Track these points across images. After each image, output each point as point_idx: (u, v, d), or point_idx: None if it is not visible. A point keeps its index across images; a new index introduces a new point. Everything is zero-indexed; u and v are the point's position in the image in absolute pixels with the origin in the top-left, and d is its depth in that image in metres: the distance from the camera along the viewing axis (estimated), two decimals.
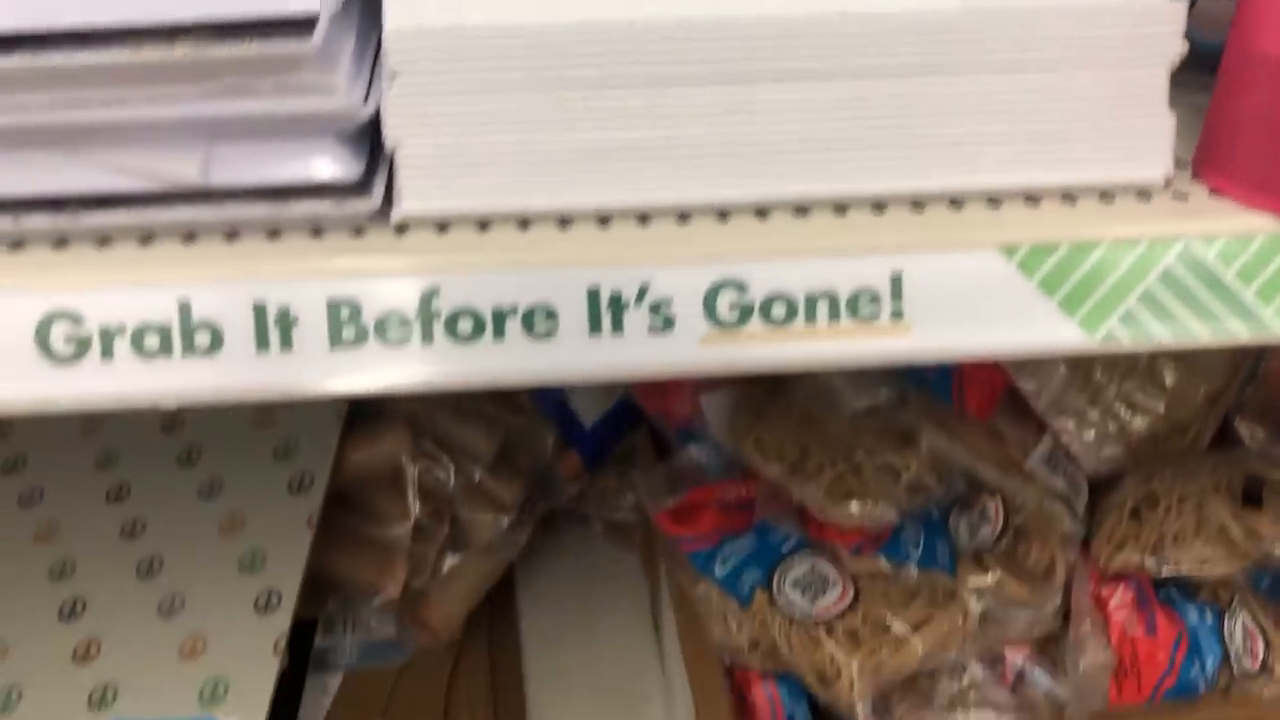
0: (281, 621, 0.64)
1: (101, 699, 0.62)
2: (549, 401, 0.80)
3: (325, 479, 0.71)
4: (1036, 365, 0.64)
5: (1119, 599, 0.60)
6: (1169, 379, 0.65)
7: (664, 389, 0.70)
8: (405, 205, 0.41)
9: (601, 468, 0.85)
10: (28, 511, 0.72)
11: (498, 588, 0.83)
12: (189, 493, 0.72)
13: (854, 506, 0.61)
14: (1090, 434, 0.64)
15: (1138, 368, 0.65)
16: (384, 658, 0.74)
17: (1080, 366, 0.64)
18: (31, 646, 0.64)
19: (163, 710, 0.61)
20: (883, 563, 0.61)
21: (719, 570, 0.62)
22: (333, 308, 0.40)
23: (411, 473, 0.73)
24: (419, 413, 0.75)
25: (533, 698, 0.77)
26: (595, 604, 0.86)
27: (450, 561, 0.74)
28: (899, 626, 0.58)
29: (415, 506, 0.72)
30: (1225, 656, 0.59)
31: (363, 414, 0.76)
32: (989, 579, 0.60)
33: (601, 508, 0.88)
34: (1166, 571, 0.60)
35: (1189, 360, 0.65)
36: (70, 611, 0.66)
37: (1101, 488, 0.65)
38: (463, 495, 0.74)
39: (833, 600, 0.59)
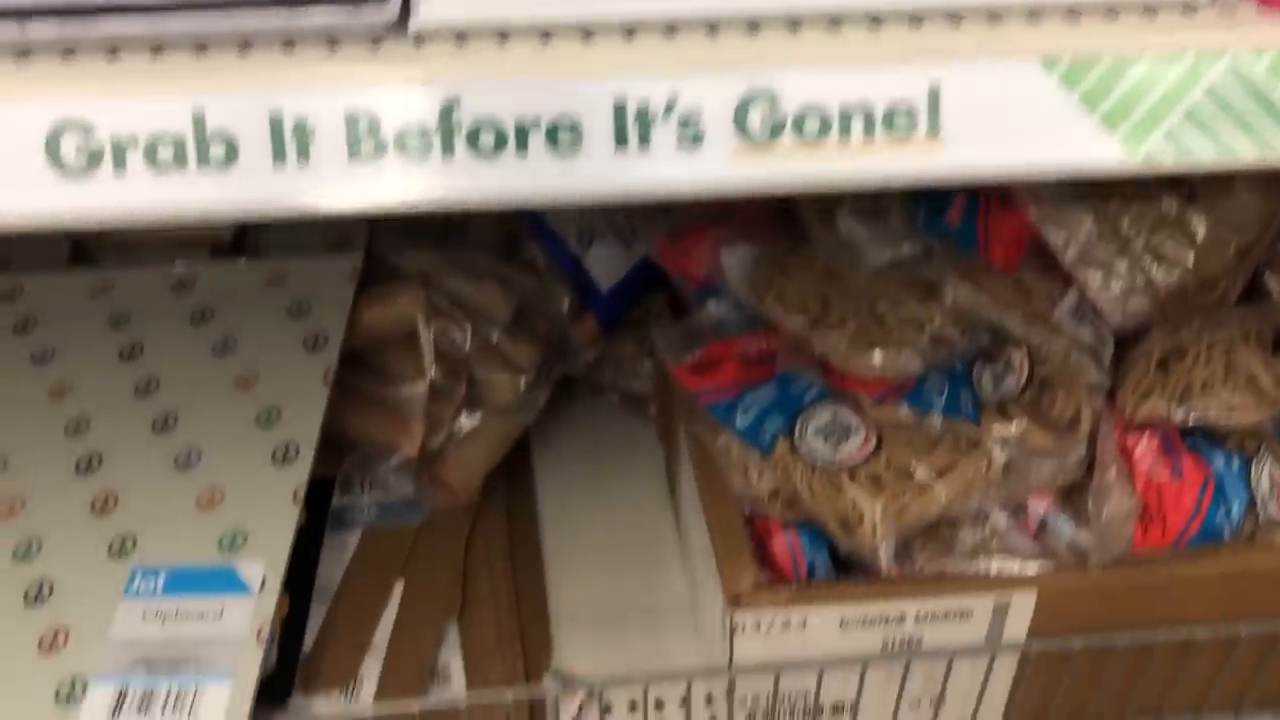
0: (300, 473, 0.64)
1: (121, 548, 0.62)
2: (565, 263, 0.79)
3: (340, 337, 0.70)
4: (1064, 216, 0.63)
5: (1144, 446, 0.59)
6: (1199, 232, 0.63)
7: (683, 246, 0.69)
8: (423, 15, 0.39)
9: (618, 334, 0.84)
10: (41, 370, 0.71)
11: (515, 456, 0.83)
12: (203, 351, 0.71)
13: (877, 356, 0.60)
14: (1117, 287, 0.63)
15: (1167, 220, 0.63)
16: (402, 517, 0.74)
17: (1108, 218, 0.63)
18: (49, 499, 0.64)
19: (183, 558, 0.61)
20: (906, 411, 0.60)
21: (740, 421, 0.61)
22: (351, 120, 0.39)
23: (427, 333, 0.72)
24: (434, 273, 0.74)
25: (550, 557, 0.78)
26: (611, 471, 0.86)
27: (467, 422, 0.74)
28: (922, 473, 0.58)
29: (431, 367, 0.72)
30: (1251, 503, 0.59)
31: (376, 274, 0.75)
32: (1013, 428, 0.59)
33: (618, 375, 0.87)
34: (1193, 419, 0.59)
35: (1220, 212, 0.64)
36: (87, 466, 0.66)
37: (1127, 343, 0.64)
38: (479, 356, 0.73)
39: (855, 447, 0.58)
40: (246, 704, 0.55)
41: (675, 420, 0.73)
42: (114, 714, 0.55)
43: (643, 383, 0.87)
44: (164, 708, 0.55)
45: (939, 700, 0.64)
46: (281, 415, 0.67)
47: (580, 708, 0.68)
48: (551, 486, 0.84)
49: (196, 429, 0.67)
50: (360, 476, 0.75)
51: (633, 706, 0.69)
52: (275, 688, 0.61)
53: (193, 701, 0.55)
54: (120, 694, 0.55)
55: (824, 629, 0.59)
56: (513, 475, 0.82)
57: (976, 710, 0.65)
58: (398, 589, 0.70)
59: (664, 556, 0.79)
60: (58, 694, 0.56)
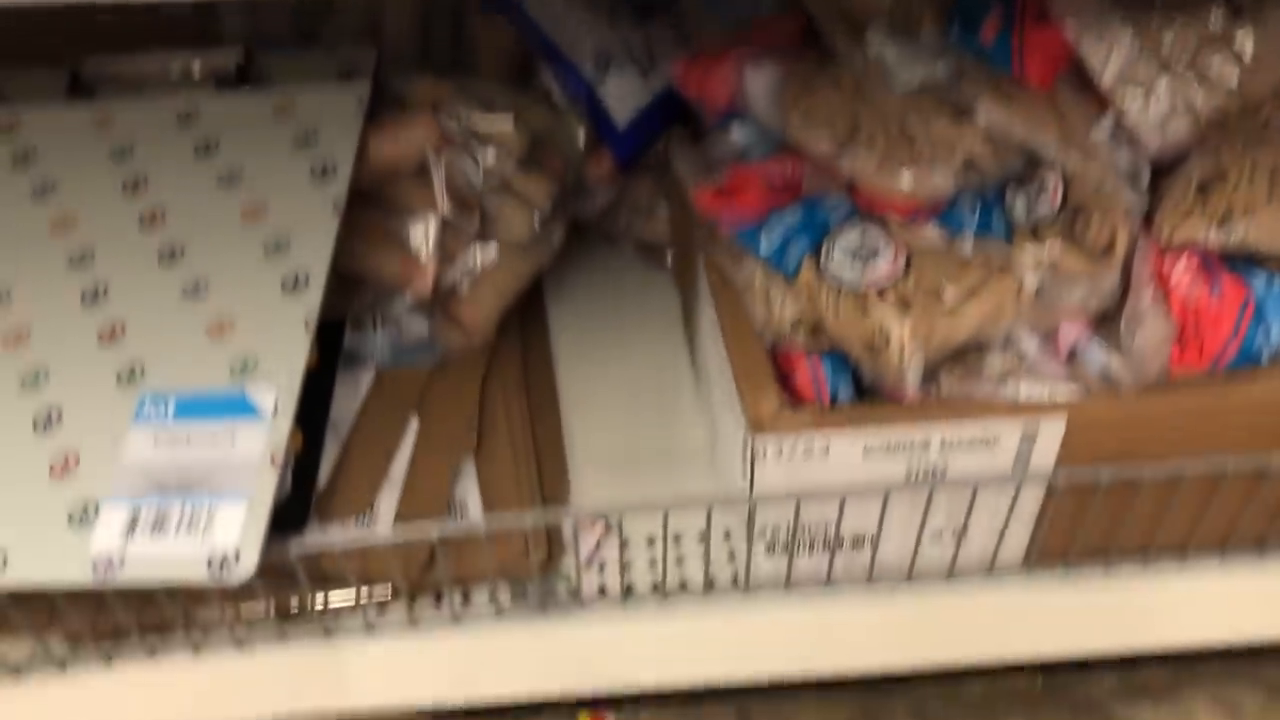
0: (310, 301, 0.62)
1: (130, 375, 0.60)
2: (581, 95, 0.76)
3: (349, 166, 0.68)
4: (1103, 32, 0.60)
5: (1182, 268, 0.57)
6: (1245, 51, 0.60)
7: (705, 68, 0.66)
8: None
9: (634, 177, 0.82)
10: (42, 203, 0.69)
11: (529, 305, 0.82)
12: (208, 182, 0.69)
13: (907, 176, 0.57)
14: (1157, 109, 0.60)
15: (1212, 38, 0.60)
16: (416, 358, 0.73)
17: (1150, 35, 0.60)
18: (55, 330, 0.63)
19: (194, 385, 0.60)
20: (936, 233, 0.58)
21: (764, 244, 0.59)
22: None
23: (438, 165, 0.69)
24: (444, 103, 0.71)
25: (566, 403, 0.77)
26: (627, 319, 0.85)
27: (481, 258, 0.72)
28: (951, 294, 0.56)
29: (444, 200, 0.69)
30: None
31: (385, 105, 0.73)
32: (1046, 251, 0.57)
33: (633, 221, 0.85)
34: (1234, 242, 0.57)
35: (1268, 30, 0.61)
36: (93, 297, 0.64)
37: (1165, 169, 0.62)
38: (492, 190, 0.71)
39: (883, 268, 0.57)
40: (262, 523, 0.54)
41: (694, 258, 0.71)
42: (128, 534, 0.54)
43: (658, 229, 0.85)
44: (178, 528, 0.54)
45: (961, 533, 0.63)
46: (290, 245, 0.65)
47: (598, 542, 0.68)
48: (566, 334, 0.83)
49: (204, 259, 0.65)
50: (372, 316, 0.73)
51: (650, 541, 0.69)
52: (290, 516, 0.61)
53: (206, 521, 0.54)
54: (133, 515, 0.55)
55: (847, 456, 0.58)
56: (527, 323, 0.81)
57: (998, 545, 0.64)
58: (413, 426, 0.69)
59: (681, 404, 0.78)
60: (70, 516, 0.55)
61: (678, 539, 0.69)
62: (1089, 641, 0.69)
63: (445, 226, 0.70)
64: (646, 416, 0.77)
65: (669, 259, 0.87)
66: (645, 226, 0.85)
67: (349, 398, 0.71)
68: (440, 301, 0.72)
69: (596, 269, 0.89)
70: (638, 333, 0.84)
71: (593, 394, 0.78)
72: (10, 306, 0.64)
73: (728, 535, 0.69)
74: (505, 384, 0.74)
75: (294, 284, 0.63)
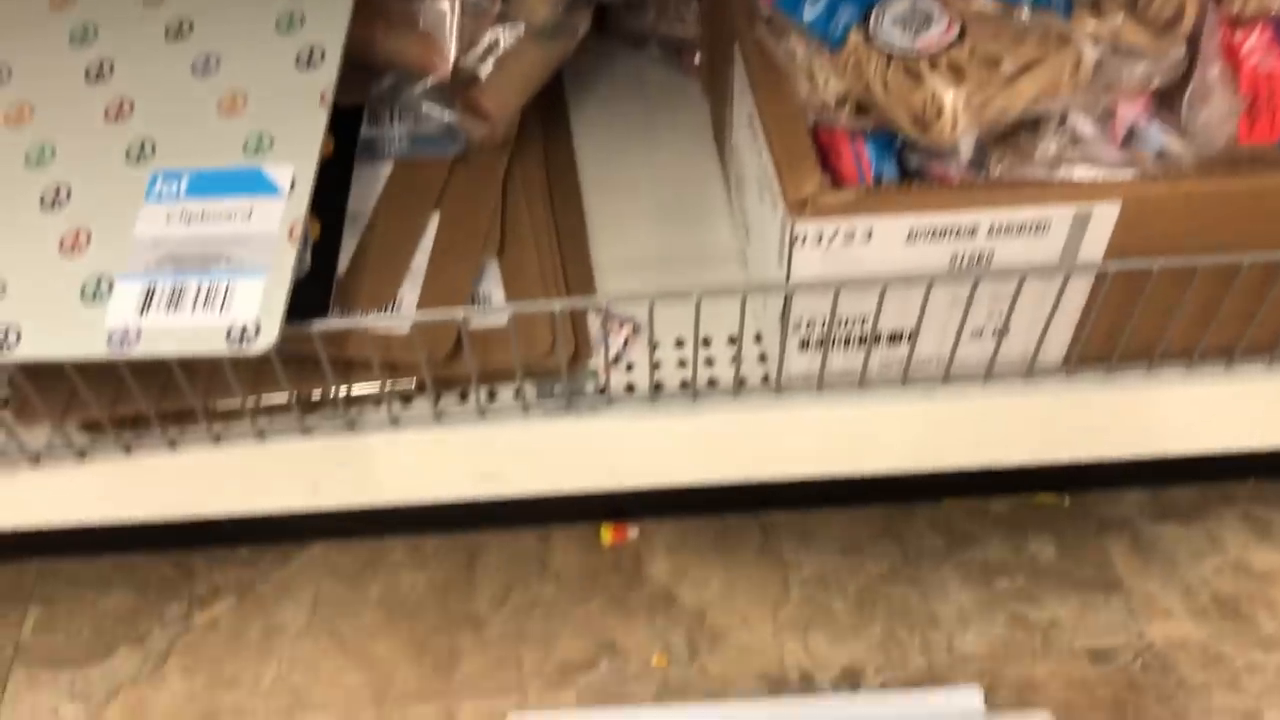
0: (326, 76, 0.59)
1: (140, 152, 0.58)
2: None
3: None
4: None
5: (1255, 40, 0.54)
6: None
7: None
8: None
9: None
10: None
11: (552, 111, 0.78)
12: None
13: None
14: None
15: None
16: (436, 149, 0.70)
17: None
18: (58, 107, 0.60)
19: (206, 163, 0.57)
20: (991, 4, 0.55)
21: (808, 11, 0.55)
22: None
23: None
24: None
25: (591, 206, 0.74)
26: (653, 124, 0.82)
27: (503, 40, 0.68)
28: (1007, 64, 0.52)
29: None
30: None
31: None
32: (1107, 24, 0.54)
33: (660, 20, 0.81)
34: None
35: None
36: (97, 73, 0.61)
37: None
38: None
39: (936, 35, 0.53)
40: (282, 295, 0.52)
41: (728, 50, 0.68)
42: (142, 310, 0.52)
43: (687, 29, 0.82)
44: (195, 303, 0.52)
45: (1003, 330, 0.61)
46: (304, 20, 0.61)
47: (626, 341, 0.66)
48: (590, 139, 0.80)
49: (212, 36, 0.62)
50: (390, 105, 0.70)
51: (679, 343, 0.67)
52: (311, 303, 0.59)
53: (225, 296, 0.52)
54: (148, 290, 0.53)
55: (889, 242, 0.56)
56: (549, 127, 0.78)
57: (1040, 344, 0.62)
58: (434, 221, 0.67)
59: (710, 211, 0.75)
60: (83, 291, 0.53)
61: (707, 342, 0.67)
62: (1127, 447, 0.67)
63: (465, 7, 0.66)
64: (674, 222, 0.74)
65: (696, 59, 0.83)
66: (673, 25, 0.81)
67: (367, 189, 0.68)
68: (460, 88, 0.69)
69: (621, 73, 0.86)
70: (664, 138, 0.81)
71: (617, 198, 0.75)
72: (10, 83, 0.61)
73: (759, 338, 0.67)
74: (528, 184, 0.71)
75: (308, 59, 0.60)
